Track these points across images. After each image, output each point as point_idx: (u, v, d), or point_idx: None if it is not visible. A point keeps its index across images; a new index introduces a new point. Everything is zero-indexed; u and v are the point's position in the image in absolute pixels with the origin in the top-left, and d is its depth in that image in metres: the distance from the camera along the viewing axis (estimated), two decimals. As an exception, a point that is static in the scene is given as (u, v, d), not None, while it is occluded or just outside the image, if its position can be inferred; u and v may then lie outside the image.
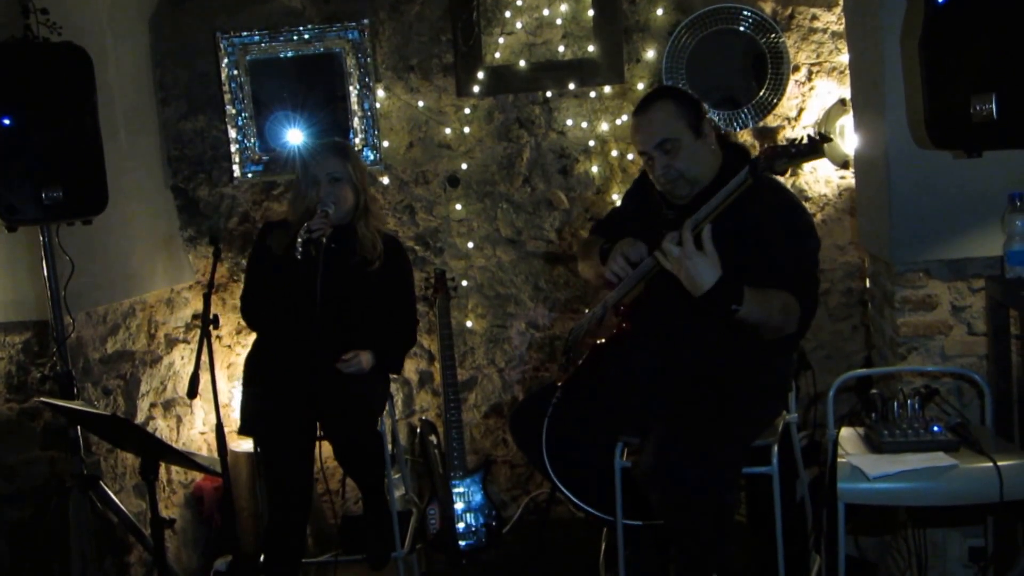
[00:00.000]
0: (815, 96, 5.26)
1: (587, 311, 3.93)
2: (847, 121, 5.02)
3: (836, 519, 3.50)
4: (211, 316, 3.70)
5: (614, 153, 5.42)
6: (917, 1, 3.52)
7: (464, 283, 5.60)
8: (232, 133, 5.51)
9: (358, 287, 4.37)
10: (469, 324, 5.65)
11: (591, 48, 5.37)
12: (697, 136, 3.60)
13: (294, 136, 5.37)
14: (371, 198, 4.50)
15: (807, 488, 4.28)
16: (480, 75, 5.40)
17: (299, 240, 4.04)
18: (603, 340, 3.72)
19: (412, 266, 4.72)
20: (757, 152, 5.09)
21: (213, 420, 3.79)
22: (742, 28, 5.21)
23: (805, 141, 3.04)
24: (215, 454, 3.78)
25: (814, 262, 3.60)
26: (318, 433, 4.29)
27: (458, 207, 5.57)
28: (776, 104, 5.25)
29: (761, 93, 5.24)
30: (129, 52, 5.23)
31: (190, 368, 3.56)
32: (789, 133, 5.27)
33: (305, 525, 4.32)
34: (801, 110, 5.28)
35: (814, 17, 5.22)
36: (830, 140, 3.19)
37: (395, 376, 5.49)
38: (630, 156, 5.37)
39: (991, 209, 3.87)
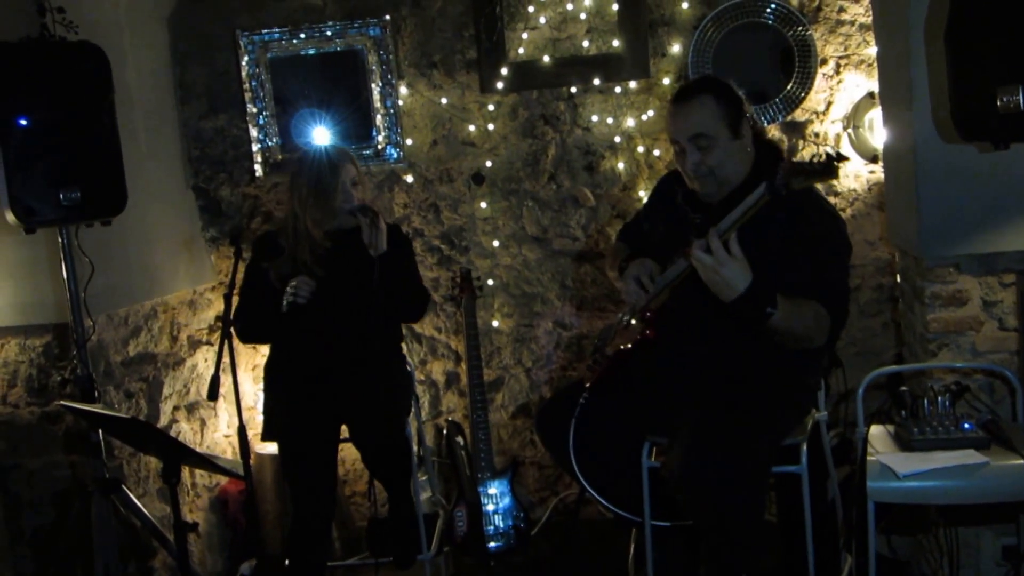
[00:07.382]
0: (843, 89, 5.19)
1: (618, 314, 3.91)
2: (876, 115, 4.96)
3: (866, 518, 3.48)
4: (232, 317, 3.68)
5: (640, 149, 5.37)
6: (943, -9, 3.48)
7: (490, 282, 5.55)
8: (253, 132, 5.49)
9: (359, 284, 4.32)
10: (495, 324, 5.61)
11: (616, 43, 5.32)
12: (734, 137, 3.53)
13: (318, 135, 5.33)
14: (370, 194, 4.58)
15: (837, 487, 4.23)
16: (504, 71, 5.36)
17: (285, 301, 4.21)
18: (628, 345, 3.71)
19: (409, 240, 4.77)
20: (785, 146, 5.08)
21: (237, 423, 3.77)
22: (769, 21, 5.14)
23: (823, 159, 2.96)
24: (239, 457, 3.77)
25: (845, 271, 3.54)
26: (341, 436, 4.28)
27: (483, 205, 5.53)
28: (804, 98, 5.18)
29: (789, 87, 5.18)
30: (147, 51, 5.22)
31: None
32: (817, 127, 5.21)
33: (330, 529, 4.32)
34: (829, 104, 5.21)
35: (841, 9, 5.14)
36: (848, 160, 3.19)
37: (420, 378, 5.48)
38: (656, 152, 5.32)
39: (1021, 202, 3.83)
